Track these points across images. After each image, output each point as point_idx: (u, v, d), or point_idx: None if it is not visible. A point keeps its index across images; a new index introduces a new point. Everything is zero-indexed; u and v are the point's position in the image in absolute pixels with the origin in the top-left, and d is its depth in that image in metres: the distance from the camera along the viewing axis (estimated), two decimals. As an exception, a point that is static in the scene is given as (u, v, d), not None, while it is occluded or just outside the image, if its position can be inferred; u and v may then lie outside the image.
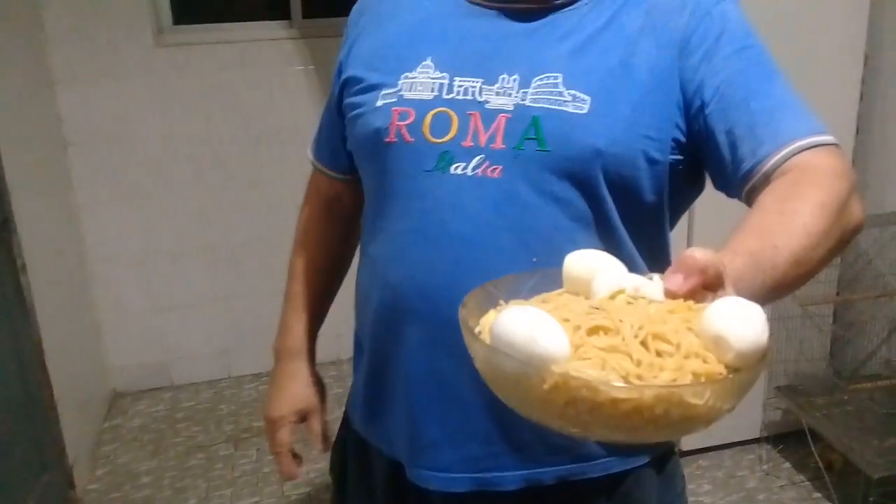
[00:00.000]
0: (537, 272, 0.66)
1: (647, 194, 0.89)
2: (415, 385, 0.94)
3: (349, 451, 1.14)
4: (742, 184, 0.84)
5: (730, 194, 0.89)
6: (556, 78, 0.87)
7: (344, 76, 1.01)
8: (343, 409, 1.16)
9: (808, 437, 2.45)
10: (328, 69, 1.11)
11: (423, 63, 0.93)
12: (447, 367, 0.90)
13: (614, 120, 0.86)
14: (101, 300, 3.12)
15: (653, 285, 0.59)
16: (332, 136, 1.10)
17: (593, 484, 0.95)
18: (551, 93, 0.87)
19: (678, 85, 0.88)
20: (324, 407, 1.24)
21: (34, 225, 2.40)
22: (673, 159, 0.89)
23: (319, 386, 1.25)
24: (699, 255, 0.58)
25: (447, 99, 0.90)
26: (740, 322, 0.52)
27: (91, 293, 3.09)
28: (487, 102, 0.88)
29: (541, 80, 0.87)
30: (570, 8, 0.92)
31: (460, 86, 0.90)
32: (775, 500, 2.46)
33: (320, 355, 1.24)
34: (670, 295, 0.58)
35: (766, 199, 0.78)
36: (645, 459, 0.98)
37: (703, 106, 0.87)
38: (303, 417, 1.21)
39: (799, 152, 0.81)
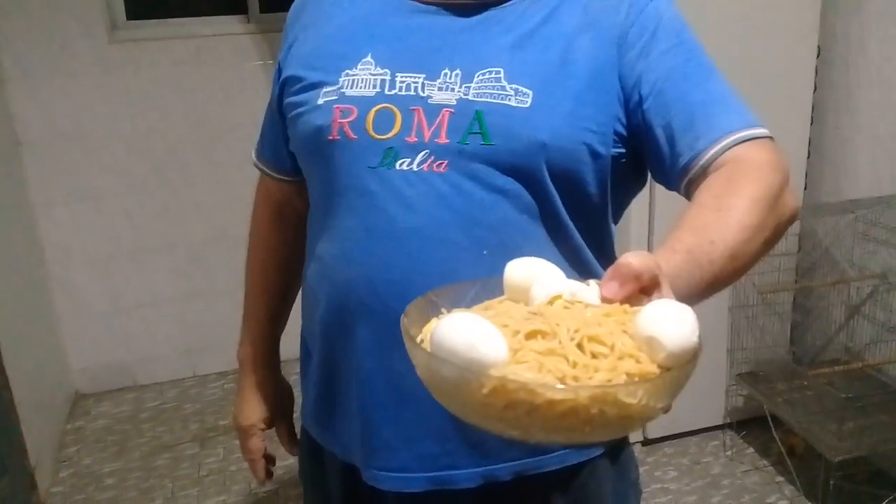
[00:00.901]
0: (478, 281, 0.66)
1: (591, 187, 0.90)
2: (367, 385, 0.93)
3: (303, 456, 1.14)
4: (680, 177, 0.86)
5: (669, 187, 0.90)
6: (497, 72, 0.87)
7: (284, 76, 1.00)
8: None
9: (770, 422, 2.50)
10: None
11: (364, 60, 0.92)
12: (400, 366, 0.88)
13: (557, 113, 0.86)
14: (61, 301, 3.08)
15: (590, 290, 0.60)
16: (275, 137, 1.08)
17: (549, 477, 0.96)
18: (494, 87, 0.87)
19: (617, 80, 0.89)
20: (290, 410, 1.27)
21: (-13, 226, 2.36)
22: (616, 153, 0.90)
23: (285, 390, 1.28)
24: (634, 261, 0.58)
25: (389, 95, 0.89)
26: (672, 324, 0.53)
27: (50, 294, 3.05)
28: (430, 97, 0.88)
29: (483, 74, 0.87)
30: (508, 4, 0.92)
31: (402, 81, 0.89)
32: (739, 485, 2.50)
33: (287, 353, 1.25)
34: (606, 301, 0.59)
35: (703, 195, 0.80)
36: (600, 451, 0.99)
37: (640, 101, 0.88)
38: (271, 423, 1.24)
39: (734, 145, 0.83)
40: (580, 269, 0.92)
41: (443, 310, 0.63)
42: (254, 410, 1.22)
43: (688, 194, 0.85)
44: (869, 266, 2.44)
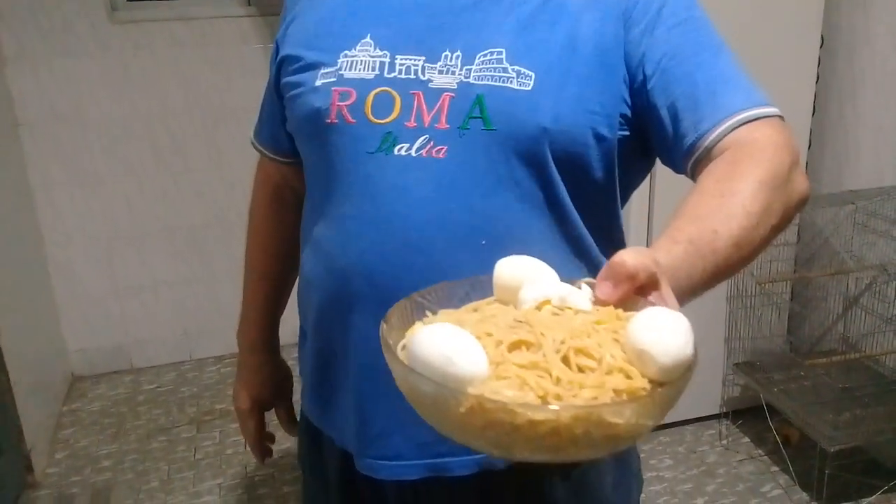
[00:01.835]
0: (469, 280, 0.64)
1: (597, 172, 0.87)
2: (362, 373, 0.91)
3: (303, 441, 1.13)
4: (686, 158, 0.83)
5: (675, 169, 0.87)
6: (499, 53, 0.84)
7: (281, 55, 0.98)
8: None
9: (766, 412, 2.50)
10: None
11: (363, 40, 0.90)
12: None
13: (560, 96, 0.83)
14: (59, 283, 3.07)
15: (581, 294, 0.57)
16: (273, 117, 1.07)
17: (548, 466, 0.93)
18: (495, 69, 0.84)
19: (623, 58, 0.85)
20: (289, 393, 1.28)
21: (-15, 207, 2.35)
22: (621, 135, 0.87)
23: (284, 373, 1.28)
24: (629, 259, 0.56)
25: (389, 78, 0.87)
26: (664, 335, 0.50)
27: (48, 276, 3.04)
28: (431, 81, 0.86)
29: (484, 55, 0.85)
30: None
31: (402, 64, 0.87)
32: (734, 474, 2.51)
33: (286, 337, 1.24)
34: (600, 303, 0.56)
35: (705, 180, 0.77)
36: None
37: (645, 80, 0.85)
38: (270, 405, 1.25)
39: (740, 125, 0.79)
40: (584, 260, 0.89)
41: (428, 313, 0.60)
42: (252, 393, 1.22)
43: (694, 178, 0.82)
44: (868, 257, 2.44)
